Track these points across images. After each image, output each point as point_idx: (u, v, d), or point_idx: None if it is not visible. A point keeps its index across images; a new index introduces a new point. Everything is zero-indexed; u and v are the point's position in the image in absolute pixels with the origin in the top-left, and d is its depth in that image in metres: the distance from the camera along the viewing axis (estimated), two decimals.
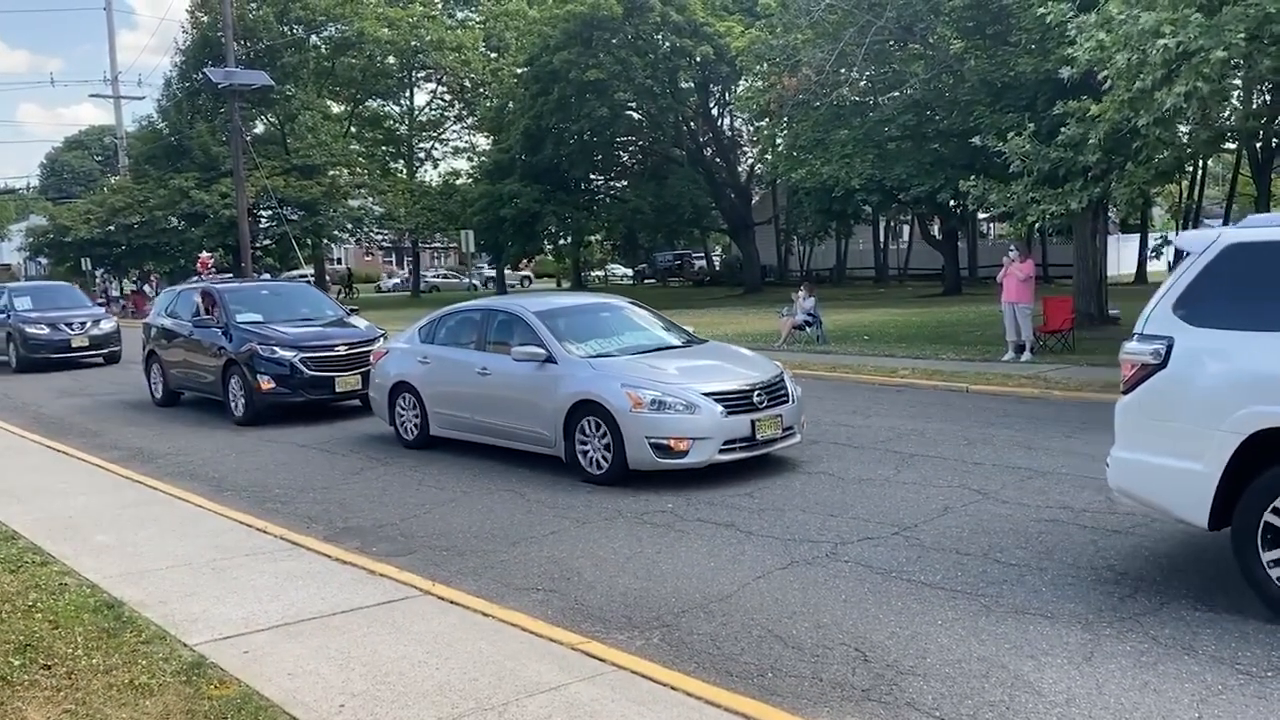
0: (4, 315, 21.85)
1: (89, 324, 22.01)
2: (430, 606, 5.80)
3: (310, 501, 8.79)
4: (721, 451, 8.56)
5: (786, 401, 9.17)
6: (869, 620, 5.45)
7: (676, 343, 10.21)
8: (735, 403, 8.70)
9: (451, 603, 5.84)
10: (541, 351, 9.37)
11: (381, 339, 13.75)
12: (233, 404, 13.32)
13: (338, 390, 13.08)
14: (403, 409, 10.97)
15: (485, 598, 5.97)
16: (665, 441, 8.44)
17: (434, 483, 9.30)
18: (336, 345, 13.28)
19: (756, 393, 8.87)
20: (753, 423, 8.70)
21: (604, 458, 8.78)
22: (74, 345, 21.44)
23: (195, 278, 20.60)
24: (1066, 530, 6.88)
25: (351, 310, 15.38)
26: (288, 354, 12.89)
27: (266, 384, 12.80)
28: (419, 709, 4.43)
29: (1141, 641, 4.99)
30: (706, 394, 8.65)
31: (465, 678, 4.74)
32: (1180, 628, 5.13)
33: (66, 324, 21.62)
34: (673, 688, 4.59)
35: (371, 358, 11.90)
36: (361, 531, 7.73)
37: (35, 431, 12.92)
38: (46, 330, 21.31)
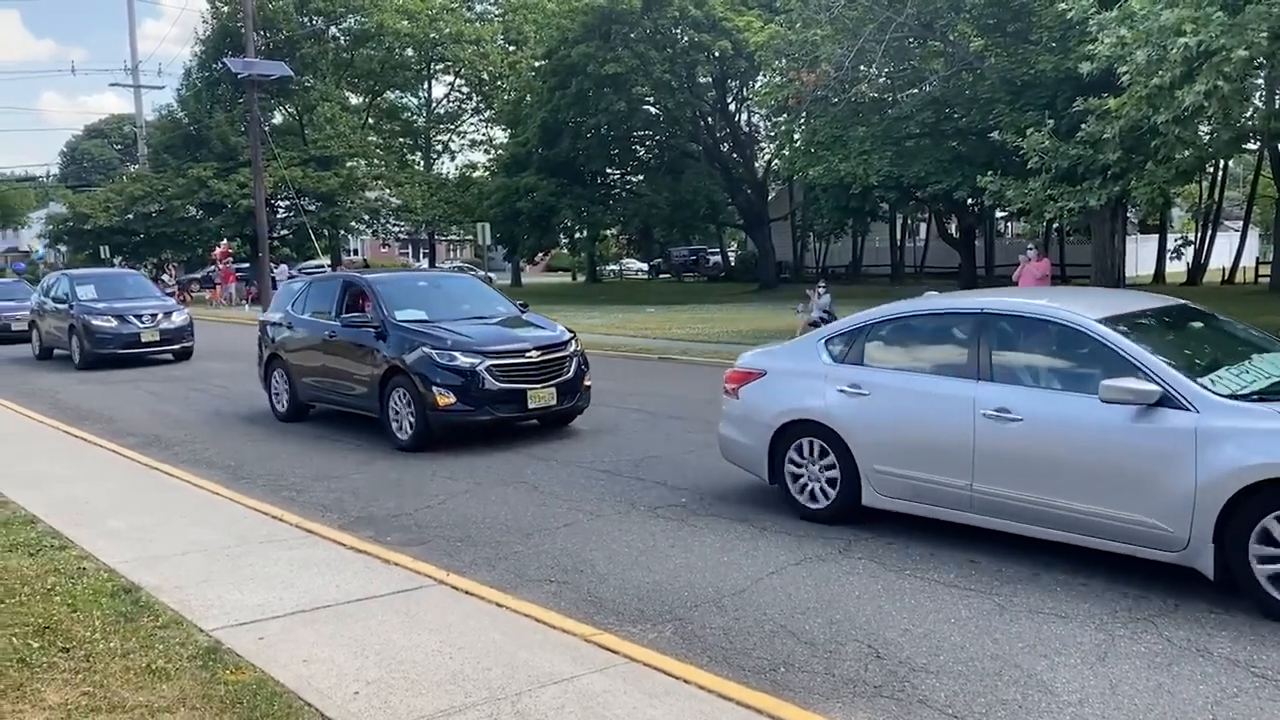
0: (66, 305, 20.04)
1: (160, 316, 20.01)
2: (444, 596, 5.83)
3: (324, 490, 8.84)
4: None
5: None
6: (882, 617, 5.44)
7: None
8: None
9: (465, 593, 5.87)
10: (1152, 389, 5.61)
11: (573, 341, 11.26)
12: (395, 425, 10.63)
13: (530, 407, 10.57)
14: (800, 461, 7.37)
15: (499, 588, 5.99)
16: None
17: (446, 474, 9.32)
18: (527, 350, 10.63)
19: None
20: None
21: None
22: (144, 340, 19.52)
23: (212, 267, 20.48)
24: None
25: (523, 306, 12.53)
26: (469, 361, 10.27)
27: (444, 399, 10.18)
28: (432, 697, 4.45)
29: (1156, 643, 4.97)
30: None
31: (478, 667, 4.76)
32: (1195, 629, 5.11)
33: (135, 316, 19.61)
34: (685, 681, 4.60)
35: (725, 381, 8.16)
36: (375, 521, 7.76)
37: (53, 417, 13.02)
38: (114, 323, 19.32)
